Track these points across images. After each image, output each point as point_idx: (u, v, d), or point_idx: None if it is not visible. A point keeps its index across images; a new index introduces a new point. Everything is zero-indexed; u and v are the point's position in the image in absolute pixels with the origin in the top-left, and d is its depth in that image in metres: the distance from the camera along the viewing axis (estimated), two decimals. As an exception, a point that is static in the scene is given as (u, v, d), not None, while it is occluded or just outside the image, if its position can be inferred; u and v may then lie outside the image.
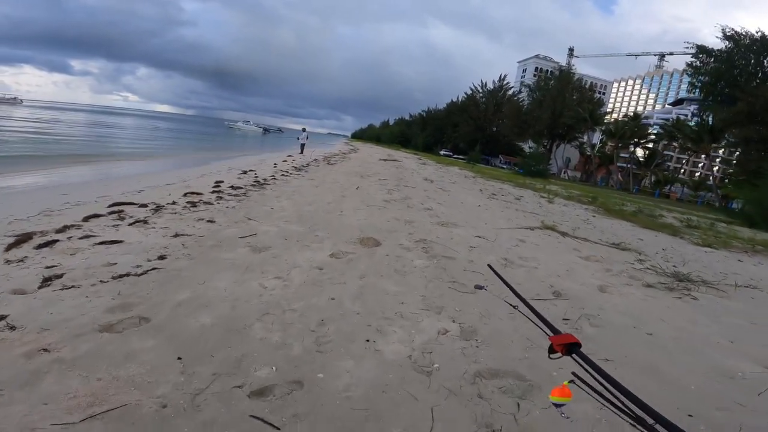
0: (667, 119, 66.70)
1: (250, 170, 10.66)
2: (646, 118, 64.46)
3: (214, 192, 6.82)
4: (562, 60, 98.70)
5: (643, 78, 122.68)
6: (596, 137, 63.91)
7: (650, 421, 0.62)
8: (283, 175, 10.51)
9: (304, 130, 22.04)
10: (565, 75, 62.19)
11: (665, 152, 61.31)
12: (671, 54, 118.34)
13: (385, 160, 24.03)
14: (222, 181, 8.01)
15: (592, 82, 71.97)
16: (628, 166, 57.42)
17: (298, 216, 5.59)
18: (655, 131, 57.26)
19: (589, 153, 63.58)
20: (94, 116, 64.35)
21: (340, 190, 8.71)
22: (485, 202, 10.04)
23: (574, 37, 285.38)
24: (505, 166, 61.22)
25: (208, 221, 4.82)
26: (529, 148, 72.56)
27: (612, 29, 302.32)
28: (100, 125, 37.42)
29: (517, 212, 8.86)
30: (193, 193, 6.49)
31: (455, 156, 64.67)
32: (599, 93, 68.57)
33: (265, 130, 79.04)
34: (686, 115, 60.84)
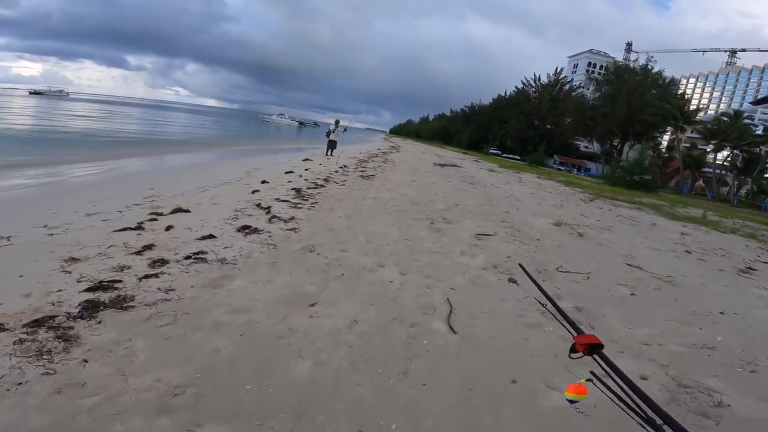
0: (751, 118, 56.60)
1: (180, 210, 4.61)
2: (748, 117, 54.35)
3: None
4: (618, 56, 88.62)
5: (716, 75, 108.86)
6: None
7: (659, 421, 0.63)
8: (242, 230, 4.20)
9: (337, 123, 15.27)
10: (643, 68, 52.85)
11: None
12: (743, 50, 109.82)
13: (441, 165, 17.45)
14: None
15: (673, 77, 61.78)
16: (721, 172, 47.52)
17: None
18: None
19: (667, 155, 53.86)
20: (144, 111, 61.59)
21: (395, 342, 2.39)
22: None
23: (625, 33, 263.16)
24: (562, 168, 52.67)
25: None
26: (584, 147, 63.52)
27: (667, 25, 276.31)
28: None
29: None
30: None
31: (505, 155, 56.94)
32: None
33: (301, 124, 78.35)
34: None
